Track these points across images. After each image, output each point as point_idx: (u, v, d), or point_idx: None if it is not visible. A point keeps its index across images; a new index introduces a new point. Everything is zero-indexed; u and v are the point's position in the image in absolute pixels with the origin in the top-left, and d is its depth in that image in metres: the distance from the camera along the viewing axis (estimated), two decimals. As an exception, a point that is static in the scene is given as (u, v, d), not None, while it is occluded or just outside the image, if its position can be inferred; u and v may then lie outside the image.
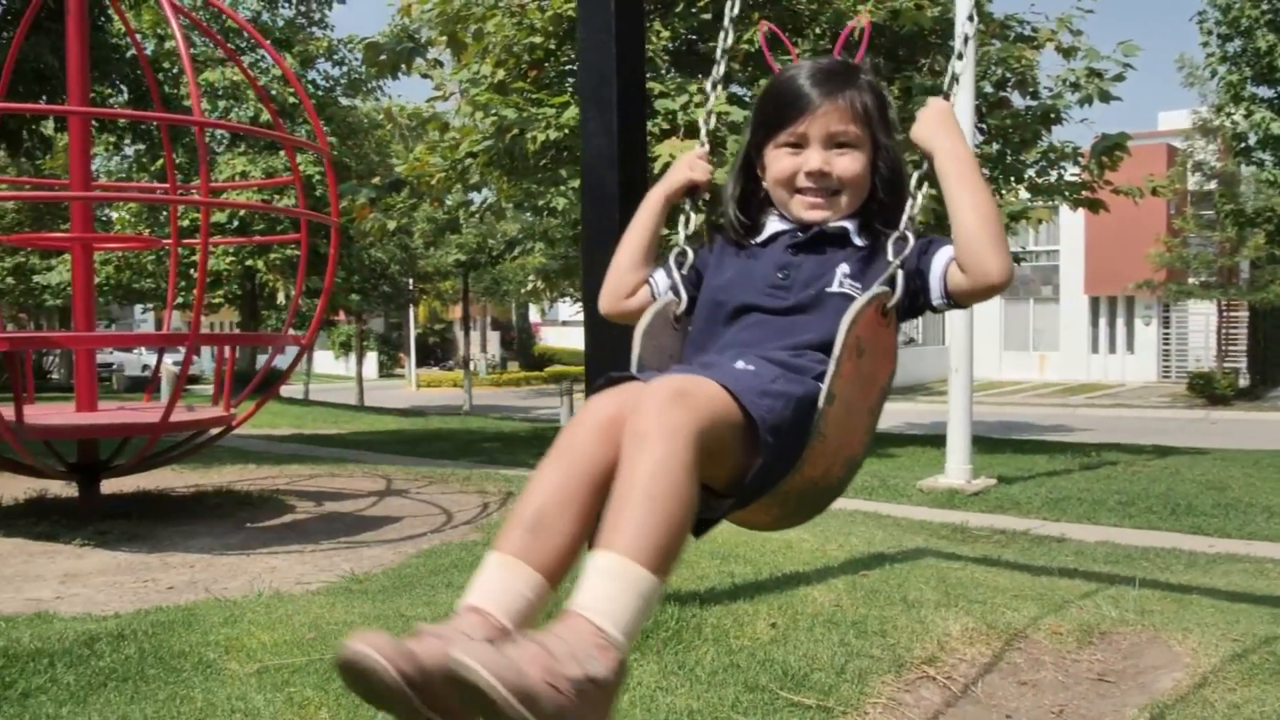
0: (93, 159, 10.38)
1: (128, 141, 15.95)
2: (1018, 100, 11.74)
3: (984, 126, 11.97)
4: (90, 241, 5.85)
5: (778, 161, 1.83)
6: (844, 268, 1.76)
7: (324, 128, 21.54)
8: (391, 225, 12.38)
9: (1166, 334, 33.48)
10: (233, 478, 7.79)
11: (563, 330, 54.33)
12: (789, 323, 1.73)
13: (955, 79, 1.85)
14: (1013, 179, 11.85)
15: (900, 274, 1.70)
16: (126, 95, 10.71)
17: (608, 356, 3.50)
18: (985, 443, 12.44)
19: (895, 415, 18.71)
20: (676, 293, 1.92)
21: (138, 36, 11.84)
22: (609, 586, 1.33)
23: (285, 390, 24.67)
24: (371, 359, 42.30)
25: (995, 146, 11.76)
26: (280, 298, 20.98)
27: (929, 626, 3.64)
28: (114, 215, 20.86)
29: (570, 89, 11.60)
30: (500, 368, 48.66)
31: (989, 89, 11.81)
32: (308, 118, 21.28)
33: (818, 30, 11.95)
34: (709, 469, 1.50)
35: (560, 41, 12.01)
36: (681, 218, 2.00)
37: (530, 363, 48.35)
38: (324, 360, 51.30)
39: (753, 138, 1.90)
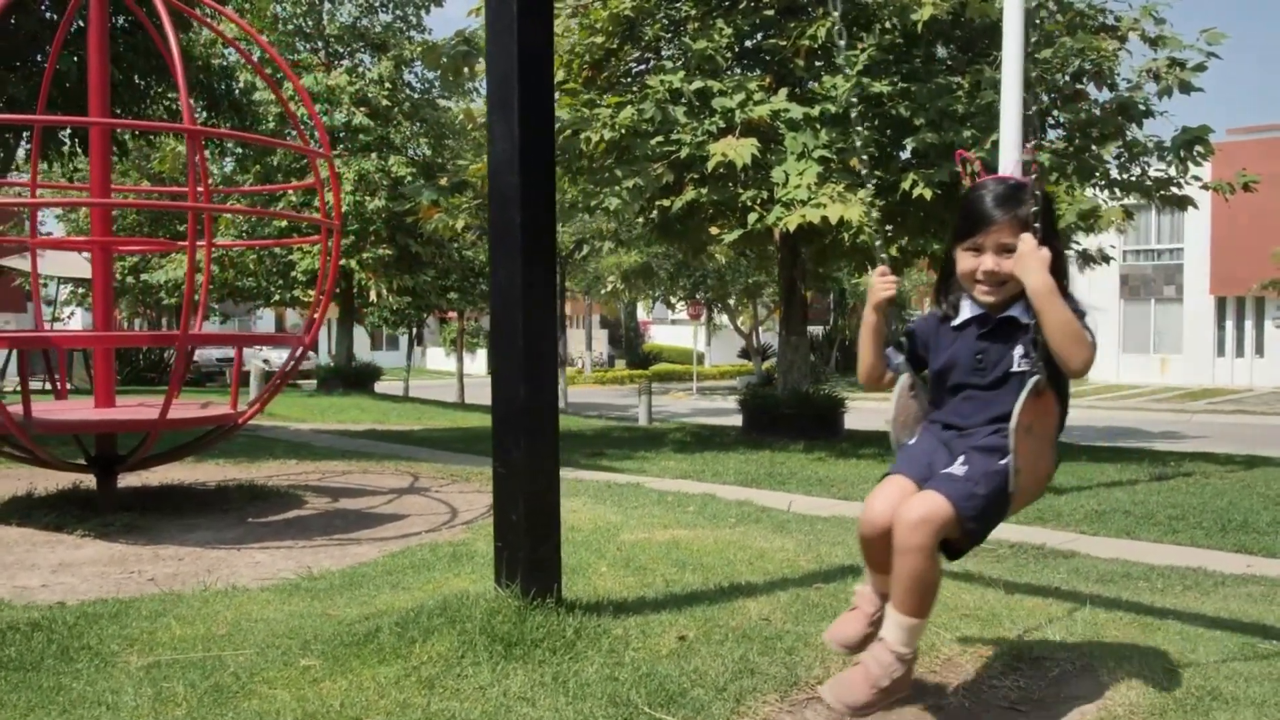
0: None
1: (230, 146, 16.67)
2: (1094, 92, 11.21)
3: (1057, 118, 11.48)
4: (109, 244, 6.13)
5: (963, 261, 2.63)
6: (1019, 349, 2.56)
7: (417, 129, 22.17)
8: (460, 224, 12.59)
9: (1301, 337, 31.48)
10: (270, 472, 8.05)
11: (672, 329, 54.44)
12: (990, 397, 2.59)
13: (1035, 227, 2.50)
14: (1095, 176, 11.30)
15: (1041, 360, 2.48)
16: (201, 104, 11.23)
17: (513, 367, 3.49)
18: (1060, 449, 11.93)
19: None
20: (908, 366, 2.81)
21: (205, 48, 12.37)
22: (897, 632, 2.58)
23: (384, 387, 25.43)
24: (482, 355, 43.17)
25: (1073, 141, 11.25)
26: (372, 295, 21.61)
27: (842, 645, 3.49)
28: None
29: (628, 89, 11.62)
30: (608, 366, 49.05)
31: (1064, 80, 11.30)
32: (402, 120, 21.98)
33: (885, 25, 11.64)
34: (949, 534, 2.55)
35: (621, 42, 12.04)
36: (891, 322, 2.81)
37: (637, 361, 48.57)
38: (436, 356, 52.68)
39: (952, 240, 2.68)
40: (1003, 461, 2.49)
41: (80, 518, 5.73)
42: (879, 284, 2.75)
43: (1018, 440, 2.45)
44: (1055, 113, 11.55)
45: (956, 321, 2.67)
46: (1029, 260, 2.44)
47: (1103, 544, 6.30)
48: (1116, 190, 11.48)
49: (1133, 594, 4.64)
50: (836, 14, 3.09)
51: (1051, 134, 11.86)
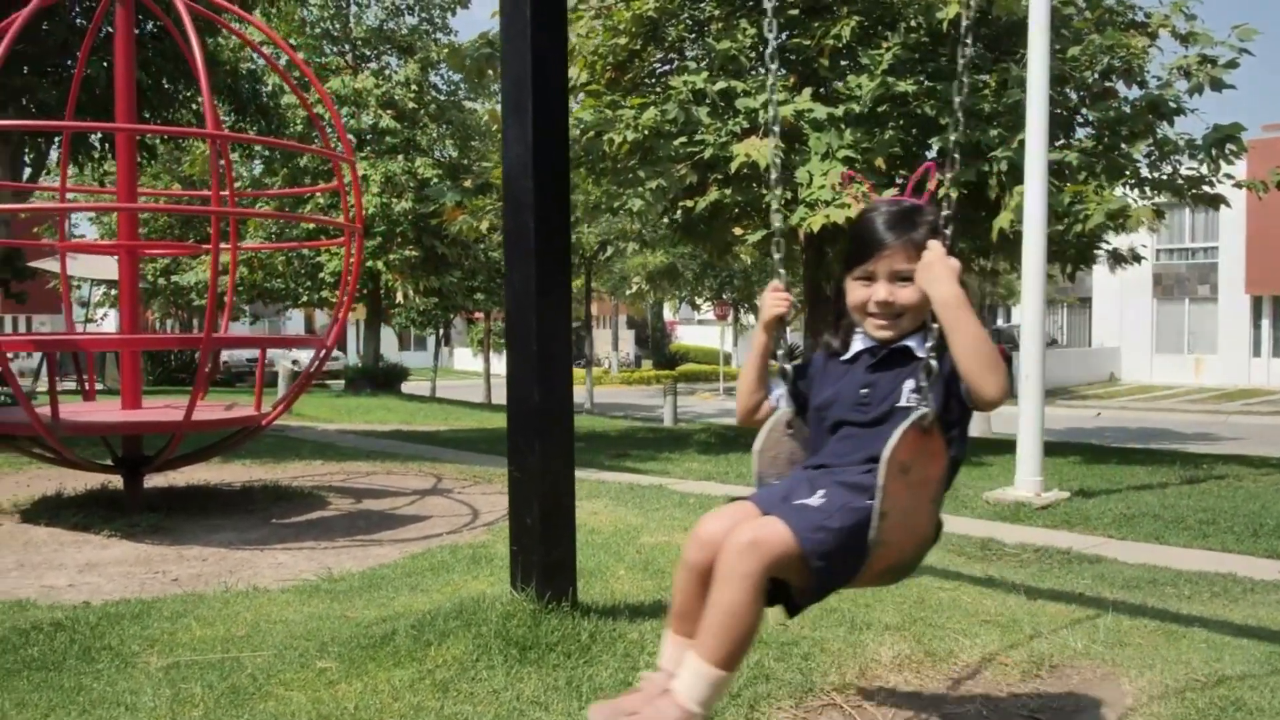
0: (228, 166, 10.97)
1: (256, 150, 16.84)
2: (1123, 90, 11.06)
3: (1086, 117, 11.35)
4: (135, 248, 6.21)
5: (853, 291, 2.31)
6: (909, 383, 2.20)
7: (443, 131, 22.27)
8: (484, 226, 12.63)
9: (1339, 337, 30.97)
10: (296, 473, 8.11)
11: (699, 329, 54.37)
12: (870, 435, 2.19)
13: (946, 236, 2.23)
14: (1126, 174, 11.15)
15: (933, 392, 2.12)
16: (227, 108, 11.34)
17: (527, 369, 3.49)
18: (1090, 451, 11.82)
19: (1014, 420, 17.84)
20: (790, 401, 2.44)
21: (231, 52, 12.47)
22: (692, 680, 2.09)
23: (410, 387, 25.57)
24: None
25: (1102, 140, 11.11)
26: (399, 296, 21.72)
27: (860, 651, 3.48)
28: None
29: (652, 90, 11.61)
30: (634, 366, 49.05)
31: (1093, 78, 11.16)
32: (428, 122, 22.09)
33: (911, 23, 11.56)
34: (788, 576, 2.12)
35: (645, 43, 12.02)
36: (780, 344, 2.46)
37: (664, 361, 48.53)
38: (463, 357, 52.90)
39: (841, 270, 2.37)
40: (867, 501, 2.08)
41: (107, 518, 5.80)
42: (770, 300, 2.44)
43: (889, 478, 2.04)
44: (1084, 111, 11.42)
45: (846, 356, 2.34)
46: (937, 268, 2.15)
47: (1130, 548, 6.21)
48: (1147, 189, 11.32)
49: (1159, 600, 4.58)
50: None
51: (1080, 132, 11.73)
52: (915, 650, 3.51)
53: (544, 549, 3.48)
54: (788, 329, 2.46)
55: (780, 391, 2.44)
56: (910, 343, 2.25)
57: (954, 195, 2.28)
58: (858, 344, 2.33)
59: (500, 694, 3.04)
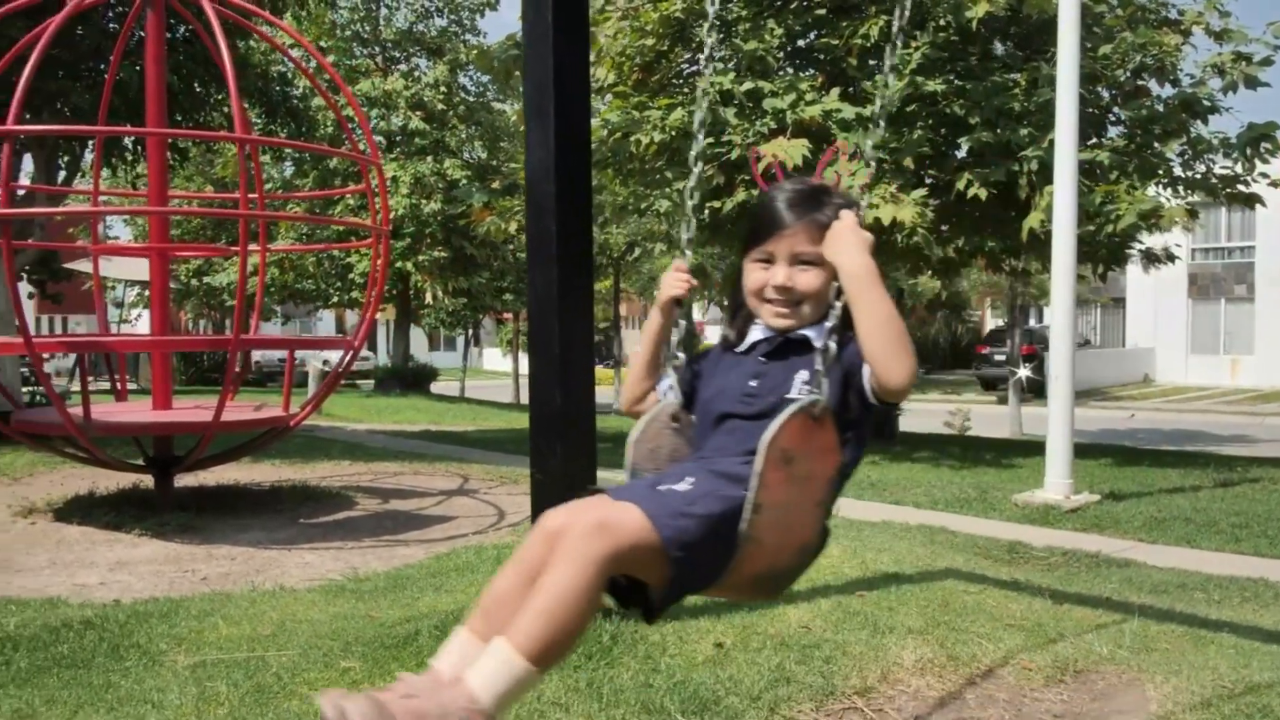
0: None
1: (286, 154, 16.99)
2: (1155, 88, 10.92)
3: (1119, 115, 11.23)
4: (166, 250, 6.29)
5: (750, 274, 2.09)
6: (803, 374, 1.96)
7: (472, 132, 22.33)
8: (513, 228, 12.68)
9: (1381, 337, 30.41)
10: (324, 473, 8.18)
11: (728, 329, 54.17)
12: (757, 427, 1.88)
13: (857, 206, 2.04)
14: (1159, 173, 11.01)
15: (829, 380, 1.89)
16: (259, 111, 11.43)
17: (548, 372, 3.51)
18: (1123, 453, 11.67)
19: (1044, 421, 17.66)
20: (678, 393, 2.17)
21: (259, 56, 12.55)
22: (494, 668, 1.67)
23: (440, 388, 25.68)
24: (537, 356, 43.31)
25: (1135, 139, 10.99)
26: (429, 297, 21.80)
27: (882, 654, 3.46)
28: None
29: (679, 91, 11.60)
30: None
31: (1125, 76, 11.04)
32: (457, 124, 22.16)
33: (940, 21, 11.48)
34: (641, 573, 1.81)
35: (672, 43, 12.02)
36: (674, 329, 2.23)
37: (693, 361, 48.44)
38: (492, 357, 53.08)
39: (740, 252, 2.16)
40: (741, 491, 1.84)
41: (138, 517, 5.88)
42: (670, 280, 2.22)
43: (768, 466, 1.80)
44: (1116, 110, 11.29)
45: (741, 347, 2.13)
46: (847, 236, 1.94)
47: (1160, 552, 6.14)
48: (1180, 188, 11.18)
49: (1187, 605, 4.52)
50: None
51: (1112, 131, 11.60)
52: (938, 654, 3.50)
53: (565, 551, 3.48)
54: (691, 311, 2.32)
55: (669, 382, 2.20)
56: (809, 332, 2.04)
57: (871, 168, 2.12)
58: (754, 334, 2.12)
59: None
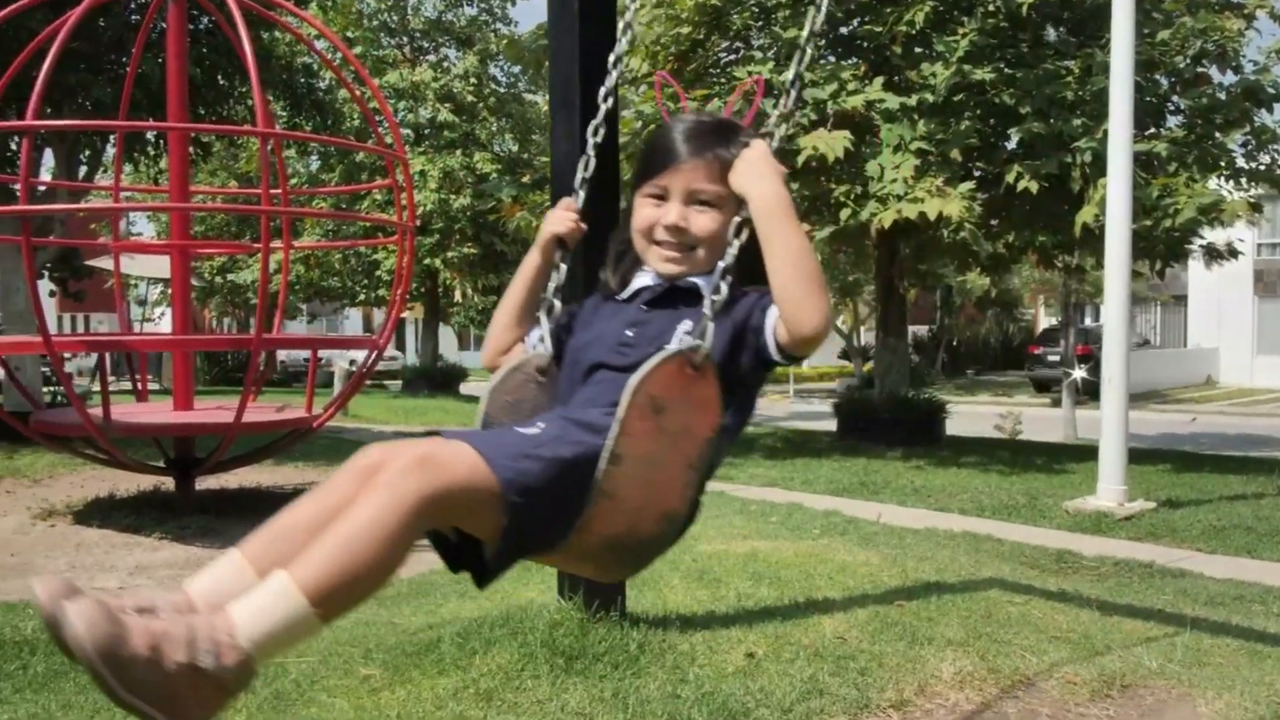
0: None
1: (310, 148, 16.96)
2: (1216, 75, 10.51)
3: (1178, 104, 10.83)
4: (187, 248, 6.20)
5: (640, 210, 1.85)
6: (686, 324, 1.74)
7: (503, 124, 22.05)
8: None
9: None
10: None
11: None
12: (625, 379, 1.65)
13: (774, 139, 1.80)
14: (1220, 165, 10.60)
15: (714, 326, 1.65)
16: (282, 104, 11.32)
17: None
18: (1182, 459, 11.25)
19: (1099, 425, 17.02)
20: (548, 344, 1.93)
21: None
22: (266, 602, 1.38)
23: (470, 388, 25.54)
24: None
25: (1194, 129, 10.59)
26: (457, 295, 21.55)
27: (919, 666, 3.27)
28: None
29: (715, 81, 11.38)
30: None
31: (1185, 63, 10.63)
32: (487, 115, 21.89)
33: (988, 8, 11.14)
34: (470, 525, 1.56)
35: (709, 31, 11.79)
36: (553, 272, 1.98)
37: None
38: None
39: (632, 187, 1.91)
40: (599, 440, 1.61)
41: (158, 520, 5.80)
42: (555, 215, 2.00)
43: (632, 412, 1.58)
44: (1175, 98, 10.89)
45: (623, 295, 1.89)
46: (758, 164, 1.73)
47: (1218, 563, 5.85)
48: (1243, 180, 10.77)
49: (1244, 618, 4.27)
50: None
51: (1171, 121, 11.20)
52: (978, 666, 3.30)
53: (590, 556, 3.33)
54: (564, 257, 1.99)
55: (540, 332, 1.94)
56: (700, 280, 1.80)
57: (791, 95, 1.85)
58: (638, 281, 1.88)
59: (544, 704, 2.93)
